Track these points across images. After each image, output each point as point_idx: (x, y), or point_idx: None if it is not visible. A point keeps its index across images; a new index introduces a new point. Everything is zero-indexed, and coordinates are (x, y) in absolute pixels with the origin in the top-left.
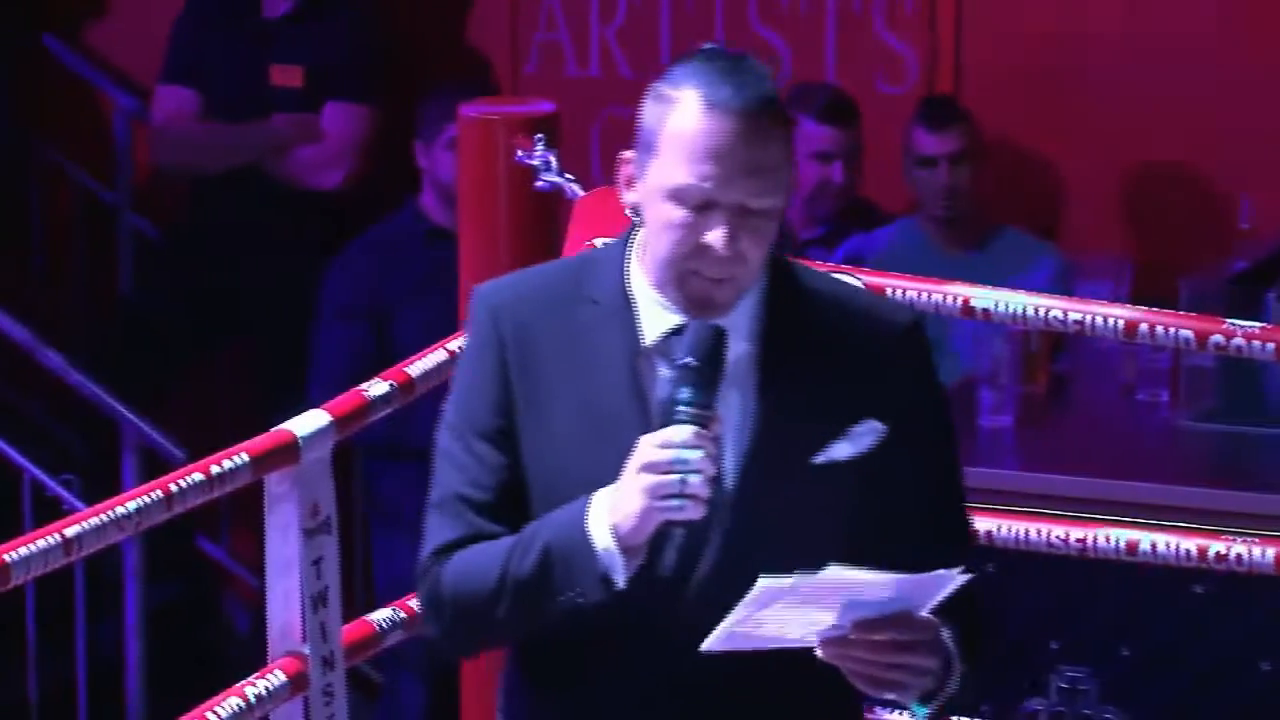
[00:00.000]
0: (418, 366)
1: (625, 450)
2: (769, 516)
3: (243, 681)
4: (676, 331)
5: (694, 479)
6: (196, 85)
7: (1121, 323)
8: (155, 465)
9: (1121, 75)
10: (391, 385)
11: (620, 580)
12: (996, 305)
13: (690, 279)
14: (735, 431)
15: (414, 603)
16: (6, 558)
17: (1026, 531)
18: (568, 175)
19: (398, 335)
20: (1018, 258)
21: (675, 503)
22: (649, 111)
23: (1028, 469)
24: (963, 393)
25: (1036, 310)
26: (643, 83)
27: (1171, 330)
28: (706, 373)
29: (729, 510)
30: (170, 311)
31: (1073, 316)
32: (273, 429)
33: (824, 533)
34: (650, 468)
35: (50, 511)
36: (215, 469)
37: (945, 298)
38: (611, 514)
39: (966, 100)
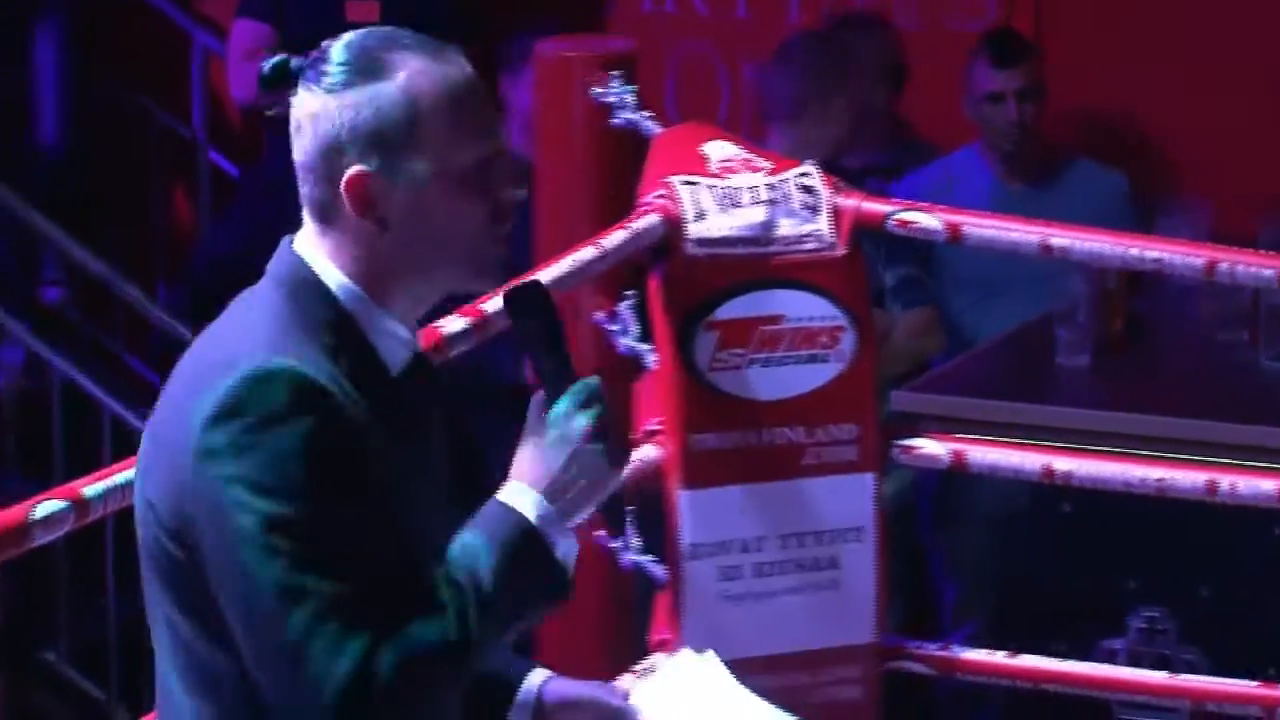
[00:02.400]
0: (493, 303)
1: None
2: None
3: None
4: (420, 356)
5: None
6: (272, 20)
7: (1201, 261)
8: None
9: (1204, 12)
10: (467, 322)
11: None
12: (1075, 244)
13: (490, 250)
14: None
15: None
16: (86, 491)
17: (1104, 471)
18: (644, 112)
19: None
20: (1084, 188)
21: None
22: (379, 109)
23: (1105, 408)
24: (1040, 331)
25: (1115, 248)
26: (719, 19)
27: (1251, 269)
28: (559, 326)
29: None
30: (246, 247)
31: (1151, 255)
32: None
33: None
34: (603, 431)
35: (130, 446)
36: None
37: (1023, 235)
38: (566, 501)
39: (1046, 37)
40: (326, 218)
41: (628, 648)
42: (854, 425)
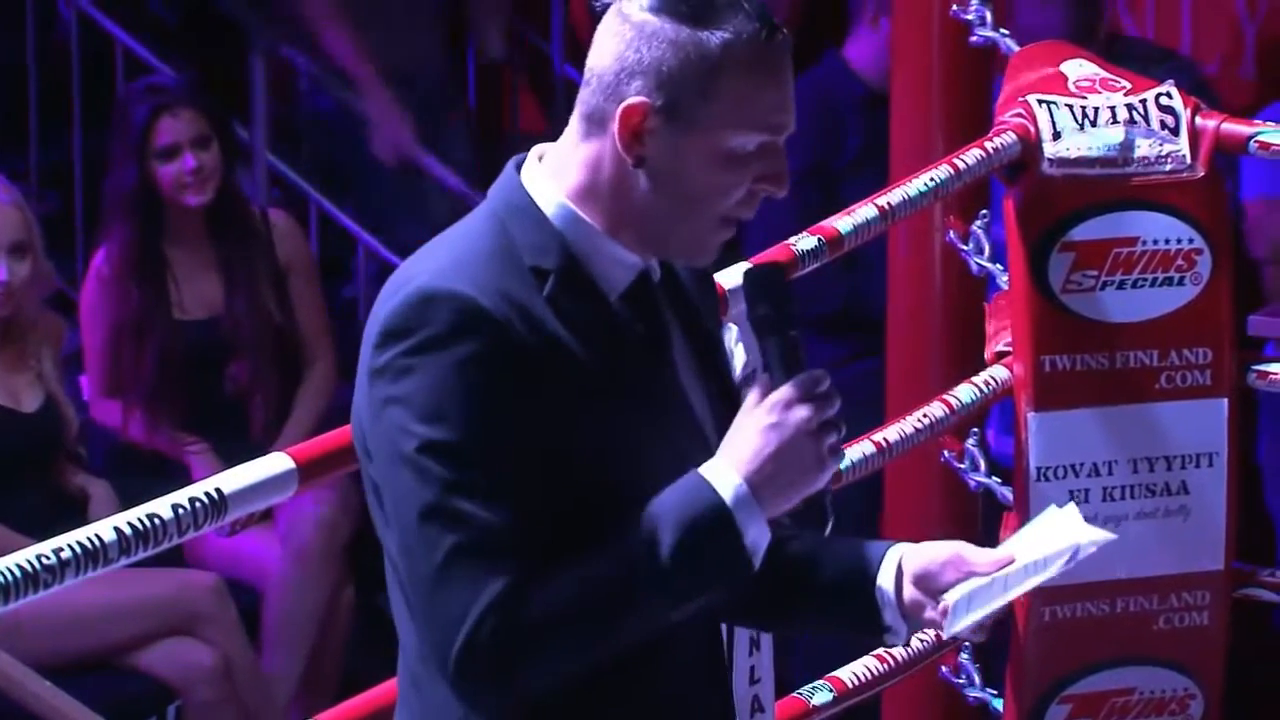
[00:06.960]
0: (846, 222)
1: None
2: None
3: None
4: (642, 281)
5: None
6: None
7: None
8: None
9: None
10: (819, 240)
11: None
12: None
13: (718, 234)
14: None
15: None
16: None
17: None
18: (1003, 30)
19: (844, 202)
20: None
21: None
22: (688, 55)
23: None
24: None
25: None
26: None
27: None
28: (793, 312)
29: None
30: None
31: None
32: None
33: None
34: (825, 427)
35: None
36: None
37: None
38: (768, 490)
39: None
40: (591, 130)
41: None
42: (1208, 349)
